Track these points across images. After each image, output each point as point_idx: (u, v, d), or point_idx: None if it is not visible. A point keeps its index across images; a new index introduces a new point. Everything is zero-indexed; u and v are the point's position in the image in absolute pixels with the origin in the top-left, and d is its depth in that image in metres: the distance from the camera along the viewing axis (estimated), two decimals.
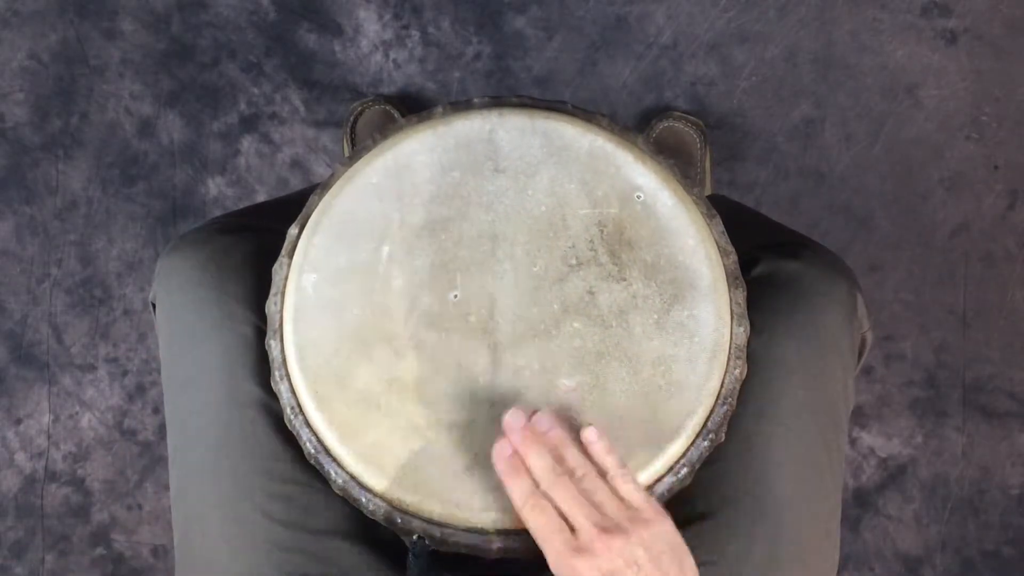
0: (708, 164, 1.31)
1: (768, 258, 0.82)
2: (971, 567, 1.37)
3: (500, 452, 0.70)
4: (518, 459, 0.69)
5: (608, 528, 0.66)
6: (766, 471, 0.77)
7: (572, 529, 0.67)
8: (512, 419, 0.70)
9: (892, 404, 1.36)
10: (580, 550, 0.66)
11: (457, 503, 0.72)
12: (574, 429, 0.71)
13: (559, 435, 0.70)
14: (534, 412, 0.71)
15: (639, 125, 1.35)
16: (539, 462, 0.69)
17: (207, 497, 0.80)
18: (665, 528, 0.68)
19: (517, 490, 0.69)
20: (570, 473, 0.69)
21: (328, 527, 0.76)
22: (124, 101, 1.37)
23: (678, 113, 1.31)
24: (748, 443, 0.76)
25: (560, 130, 0.77)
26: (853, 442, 1.36)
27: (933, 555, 1.37)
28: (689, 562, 0.68)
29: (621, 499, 0.68)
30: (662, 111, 1.34)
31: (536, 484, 0.68)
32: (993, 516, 1.36)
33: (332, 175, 0.78)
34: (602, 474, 0.69)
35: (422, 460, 0.72)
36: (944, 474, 1.36)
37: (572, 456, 0.69)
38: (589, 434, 0.70)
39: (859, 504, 1.37)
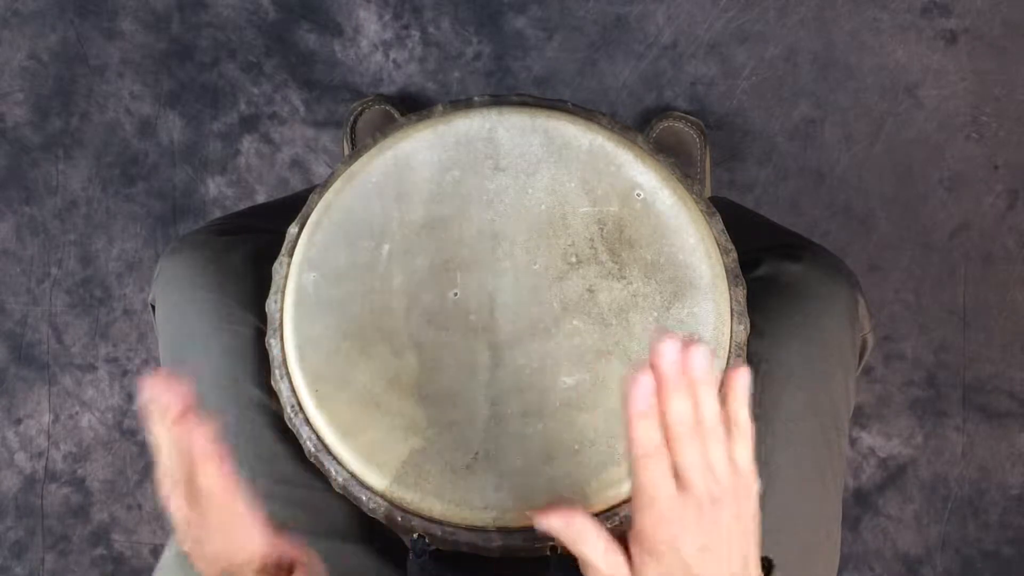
0: (708, 164, 1.31)
1: (769, 260, 0.82)
2: (971, 567, 1.37)
3: (642, 387, 0.59)
4: (655, 399, 0.59)
5: (718, 499, 0.60)
6: (767, 472, 0.77)
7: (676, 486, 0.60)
8: (670, 347, 0.59)
9: (892, 404, 1.36)
10: (685, 518, 0.60)
11: (458, 501, 0.72)
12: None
13: (709, 377, 0.60)
14: (688, 339, 0.61)
15: (639, 125, 1.35)
16: (682, 408, 0.59)
17: None
18: (752, 501, 0.62)
19: (644, 435, 0.59)
20: (700, 424, 0.60)
21: (328, 526, 0.76)
22: (124, 101, 1.37)
23: (678, 113, 1.31)
24: None
25: (560, 128, 0.77)
26: (853, 442, 1.36)
27: (933, 555, 1.37)
28: (756, 535, 0.63)
29: (732, 459, 0.61)
30: (662, 111, 1.34)
31: (662, 436, 0.60)
32: (993, 516, 1.36)
33: (332, 174, 0.78)
34: (726, 423, 0.61)
35: (422, 458, 0.72)
36: (944, 474, 1.36)
37: (711, 408, 0.61)
38: (744, 377, 0.62)
39: (859, 504, 1.37)
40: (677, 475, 0.60)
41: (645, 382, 0.59)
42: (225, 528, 0.62)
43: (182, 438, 0.60)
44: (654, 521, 0.60)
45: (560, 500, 0.67)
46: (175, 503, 0.61)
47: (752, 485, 0.62)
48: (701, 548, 0.60)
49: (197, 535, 0.62)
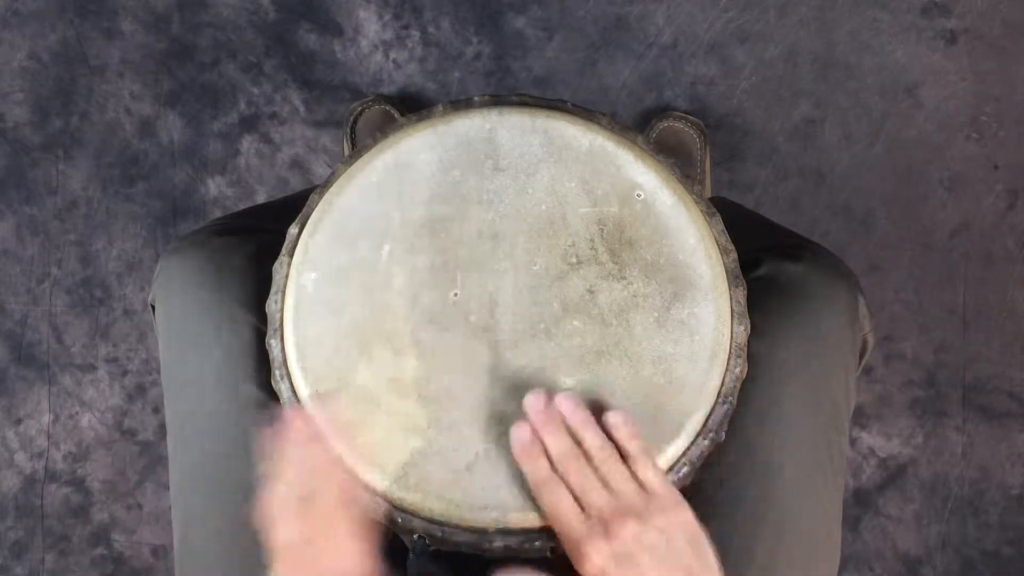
0: (708, 164, 1.31)
1: (770, 260, 0.82)
2: (971, 567, 1.37)
3: (518, 433, 0.69)
4: (537, 441, 0.69)
5: (623, 512, 0.66)
6: (768, 473, 0.77)
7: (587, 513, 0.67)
8: (533, 400, 0.70)
9: (892, 404, 1.36)
10: (593, 533, 0.66)
11: (458, 502, 0.72)
12: (598, 413, 0.71)
13: (581, 417, 0.69)
14: (554, 394, 0.70)
15: (639, 125, 1.35)
16: (556, 443, 0.69)
17: (207, 497, 0.80)
18: (684, 517, 0.67)
19: (533, 471, 0.68)
20: (588, 457, 0.68)
21: None
22: (124, 101, 1.37)
23: (678, 113, 1.31)
24: (749, 445, 0.76)
25: (560, 129, 0.77)
26: (853, 442, 1.36)
27: (933, 555, 1.37)
28: (709, 552, 0.67)
29: (641, 485, 0.68)
30: (662, 111, 1.34)
31: (553, 467, 0.68)
32: (993, 516, 1.36)
33: (332, 174, 0.78)
34: (623, 459, 0.69)
35: (423, 459, 0.72)
36: (944, 474, 1.36)
37: (591, 438, 0.69)
38: (614, 418, 0.70)
39: (859, 504, 1.37)
40: (578, 501, 0.67)
41: (520, 428, 0.69)
42: (329, 551, 0.67)
43: (312, 456, 0.67)
44: (572, 543, 0.67)
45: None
46: (284, 524, 0.66)
47: (674, 502, 0.67)
48: (622, 558, 0.65)
49: (298, 558, 0.66)
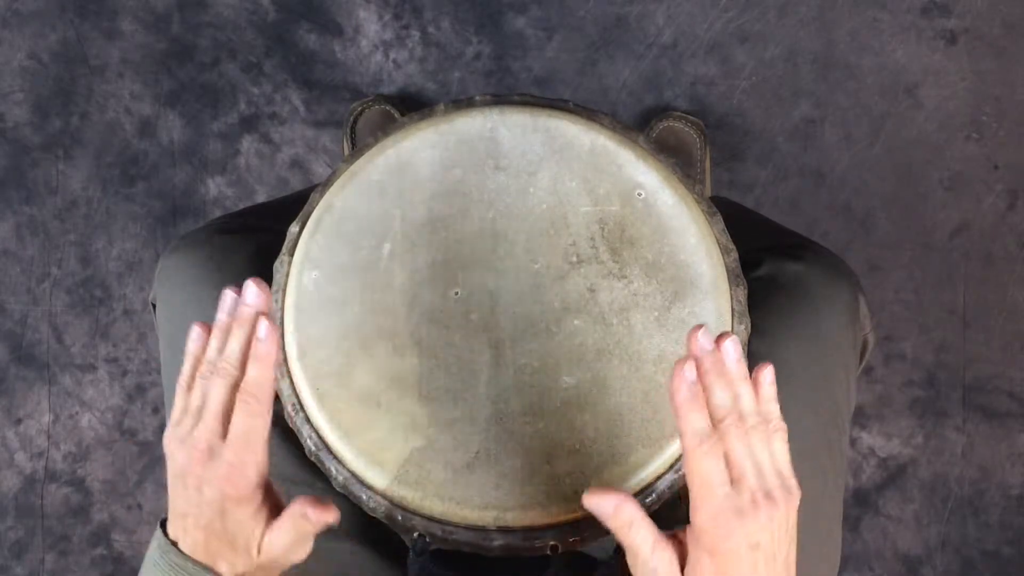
0: (708, 164, 1.31)
1: (770, 260, 0.82)
2: (971, 567, 1.37)
3: (687, 373, 0.60)
4: (700, 387, 0.61)
5: (767, 495, 0.60)
6: None
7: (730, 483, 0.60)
8: (703, 338, 0.61)
9: (892, 404, 1.36)
10: (742, 512, 0.59)
11: (458, 500, 0.72)
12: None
13: (743, 370, 0.62)
14: (722, 335, 0.62)
15: (639, 125, 1.35)
16: (722, 396, 0.60)
17: None
18: (796, 504, 0.62)
19: (695, 425, 0.60)
20: (741, 418, 0.61)
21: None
22: (124, 101, 1.37)
23: (678, 113, 1.31)
24: None
25: (562, 128, 0.77)
26: (853, 442, 1.36)
27: (933, 555, 1.37)
28: (794, 548, 0.63)
29: (774, 458, 0.62)
30: (662, 111, 1.34)
31: (710, 424, 0.60)
32: (993, 516, 1.36)
33: (333, 173, 0.78)
34: (763, 422, 0.62)
35: (423, 457, 0.72)
36: (944, 474, 1.36)
37: (748, 400, 0.61)
38: (768, 374, 0.63)
39: (859, 504, 1.37)
40: (729, 468, 0.60)
41: (688, 369, 0.60)
42: (241, 459, 0.62)
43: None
44: (712, 514, 0.59)
45: (605, 487, 0.65)
46: (208, 425, 0.62)
47: (795, 490, 0.61)
48: (752, 546, 0.59)
49: (211, 465, 0.62)
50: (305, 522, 0.63)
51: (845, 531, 1.35)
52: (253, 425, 0.62)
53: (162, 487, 1.39)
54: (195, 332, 0.65)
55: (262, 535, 0.64)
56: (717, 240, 0.76)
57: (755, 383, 0.63)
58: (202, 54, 1.36)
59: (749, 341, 0.76)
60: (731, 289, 0.75)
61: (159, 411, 1.39)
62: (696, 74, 1.34)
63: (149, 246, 1.38)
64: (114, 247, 1.38)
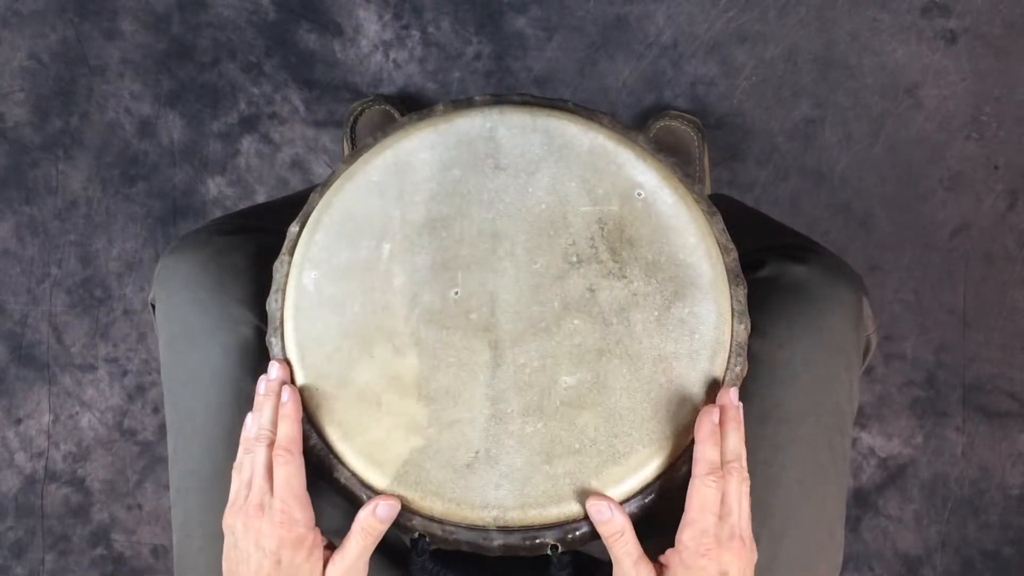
0: (707, 162, 1.31)
1: (773, 260, 0.82)
2: (971, 567, 1.37)
3: (713, 415, 0.71)
4: (718, 430, 0.71)
5: (743, 537, 0.70)
6: (770, 474, 0.77)
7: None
8: (734, 396, 0.72)
9: (892, 404, 1.36)
10: (720, 540, 0.69)
11: (458, 500, 0.72)
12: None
13: (743, 434, 0.72)
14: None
15: (638, 125, 1.35)
16: (735, 443, 0.71)
17: (207, 497, 0.80)
18: (754, 561, 0.72)
19: (710, 456, 0.70)
20: (742, 468, 0.71)
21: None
22: (124, 101, 1.37)
23: (675, 112, 1.31)
24: (752, 446, 0.76)
25: (561, 128, 0.77)
26: (853, 442, 1.36)
27: (933, 555, 1.37)
28: None
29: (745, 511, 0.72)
30: (659, 110, 1.34)
31: (720, 461, 0.71)
32: (993, 516, 1.36)
33: (333, 173, 0.78)
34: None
35: (423, 457, 0.72)
36: (944, 474, 1.36)
37: (743, 459, 0.72)
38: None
39: (859, 504, 1.37)
40: (721, 503, 0.70)
41: (716, 413, 0.71)
42: (288, 504, 0.71)
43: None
44: (697, 533, 0.69)
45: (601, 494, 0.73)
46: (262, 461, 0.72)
47: (754, 546, 0.72)
48: (722, 573, 0.69)
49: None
50: (374, 521, 0.71)
51: (845, 531, 1.35)
52: (290, 472, 0.71)
53: (163, 487, 1.39)
54: (248, 418, 0.74)
55: (324, 569, 0.71)
56: (717, 240, 0.76)
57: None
58: (202, 54, 1.36)
59: (750, 341, 0.76)
60: (731, 289, 0.75)
61: (159, 411, 1.39)
62: (696, 74, 1.34)
63: (149, 246, 1.38)
64: (114, 247, 1.38)
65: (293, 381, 0.75)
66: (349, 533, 0.71)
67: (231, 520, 0.72)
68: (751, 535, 0.71)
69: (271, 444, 0.72)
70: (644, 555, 0.70)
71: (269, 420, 0.72)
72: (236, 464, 0.74)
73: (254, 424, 0.73)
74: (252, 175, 1.37)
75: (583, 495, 0.72)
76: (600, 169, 0.76)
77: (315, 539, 0.71)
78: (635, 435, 0.72)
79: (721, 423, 0.71)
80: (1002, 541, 1.37)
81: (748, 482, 0.71)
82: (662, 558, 0.71)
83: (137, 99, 1.37)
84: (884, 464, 1.37)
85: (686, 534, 0.69)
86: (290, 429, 0.72)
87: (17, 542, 1.41)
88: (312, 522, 0.71)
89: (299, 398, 0.73)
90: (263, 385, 0.74)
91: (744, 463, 0.72)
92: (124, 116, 1.37)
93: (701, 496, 0.70)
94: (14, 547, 1.41)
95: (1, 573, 1.41)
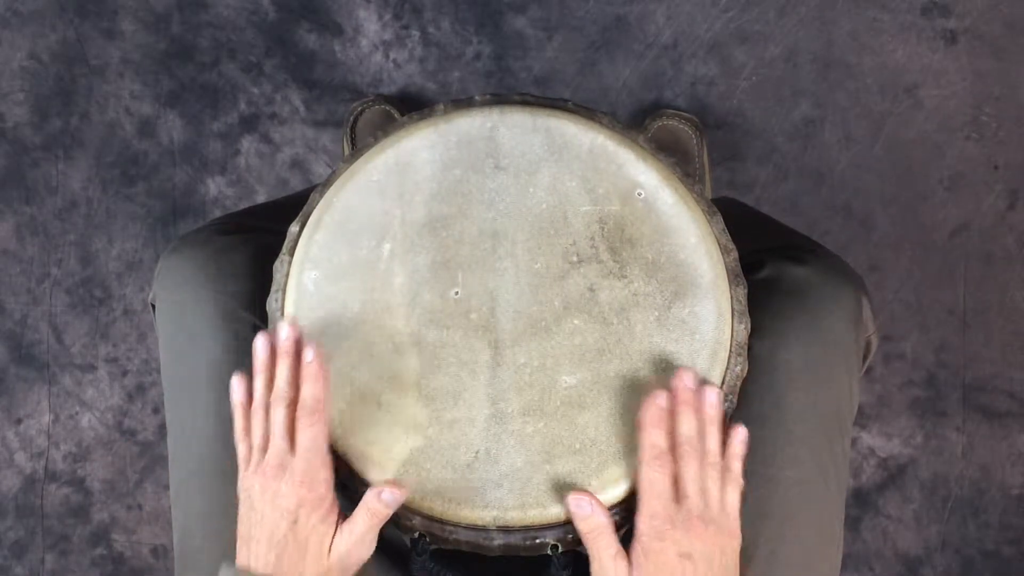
0: (706, 160, 1.31)
1: (774, 261, 0.82)
2: (971, 567, 1.37)
3: (658, 399, 0.71)
4: (670, 413, 0.71)
5: (706, 519, 0.69)
6: (770, 474, 0.77)
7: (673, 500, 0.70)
8: (687, 377, 0.72)
9: (892, 404, 1.36)
10: (675, 523, 0.69)
11: (458, 500, 0.72)
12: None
13: (717, 416, 0.72)
14: (703, 381, 0.73)
15: (638, 125, 1.35)
16: (688, 425, 0.70)
17: (207, 497, 0.80)
18: (736, 547, 0.71)
19: (654, 439, 0.70)
20: (702, 452, 0.71)
21: None
22: (124, 101, 1.37)
23: (672, 111, 1.31)
24: (752, 446, 0.76)
25: (561, 128, 0.77)
26: (853, 442, 1.36)
27: (933, 555, 1.37)
28: None
29: (723, 500, 0.71)
30: (657, 110, 1.34)
31: (669, 445, 0.70)
32: (993, 516, 1.36)
33: (333, 172, 0.78)
34: (723, 468, 0.72)
35: (423, 457, 0.72)
36: (944, 474, 1.36)
37: (714, 441, 0.71)
38: (743, 433, 0.72)
39: (859, 504, 1.37)
40: (676, 486, 0.69)
41: (662, 397, 0.70)
42: (312, 465, 0.70)
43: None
44: (649, 516, 0.69)
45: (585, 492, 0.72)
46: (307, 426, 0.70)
47: (737, 532, 0.70)
48: (683, 555, 0.68)
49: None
50: (379, 506, 0.70)
51: (845, 531, 1.35)
52: (316, 434, 0.70)
53: (163, 487, 1.39)
54: (235, 383, 0.73)
55: (333, 536, 0.71)
56: (717, 239, 0.76)
57: (728, 436, 0.72)
58: (202, 54, 1.36)
59: (750, 341, 0.76)
60: (731, 288, 0.75)
61: (159, 411, 1.39)
62: (696, 74, 1.34)
63: (149, 246, 1.38)
64: (114, 247, 1.38)
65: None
66: (357, 509, 0.71)
67: (248, 482, 0.71)
68: (732, 521, 0.71)
69: (290, 404, 0.71)
70: (623, 550, 0.70)
71: (286, 380, 0.71)
72: (238, 430, 0.73)
73: (261, 387, 0.72)
74: (252, 175, 1.37)
75: (568, 494, 0.72)
76: (600, 169, 0.77)
77: (333, 501, 0.71)
78: (635, 435, 0.72)
79: (675, 407, 0.71)
80: (1002, 541, 1.37)
81: (716, 465, 0.71)
82: (630, 550, 0.71)
83: (137, 99, 1.37)
84: (884, 464, 1.37)
85: (640, 520, 0.69)
86: (316, 388, 0.70)
87: (17, 542, 1.41)
88: (333, 483, 0.71)
89: (323, 356, 0.72)
90: (264, 346, 0.73)
91: (711, 445, 0.71)
92: (124, 116, 1.37)
93: (648, 481, 0.69)
94: (14, 547, 1.41)
95: (1, 573, 1.41)
